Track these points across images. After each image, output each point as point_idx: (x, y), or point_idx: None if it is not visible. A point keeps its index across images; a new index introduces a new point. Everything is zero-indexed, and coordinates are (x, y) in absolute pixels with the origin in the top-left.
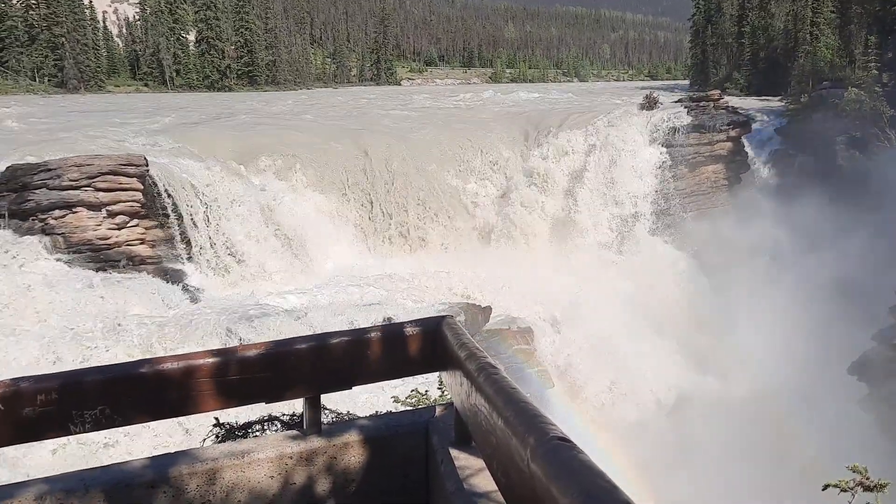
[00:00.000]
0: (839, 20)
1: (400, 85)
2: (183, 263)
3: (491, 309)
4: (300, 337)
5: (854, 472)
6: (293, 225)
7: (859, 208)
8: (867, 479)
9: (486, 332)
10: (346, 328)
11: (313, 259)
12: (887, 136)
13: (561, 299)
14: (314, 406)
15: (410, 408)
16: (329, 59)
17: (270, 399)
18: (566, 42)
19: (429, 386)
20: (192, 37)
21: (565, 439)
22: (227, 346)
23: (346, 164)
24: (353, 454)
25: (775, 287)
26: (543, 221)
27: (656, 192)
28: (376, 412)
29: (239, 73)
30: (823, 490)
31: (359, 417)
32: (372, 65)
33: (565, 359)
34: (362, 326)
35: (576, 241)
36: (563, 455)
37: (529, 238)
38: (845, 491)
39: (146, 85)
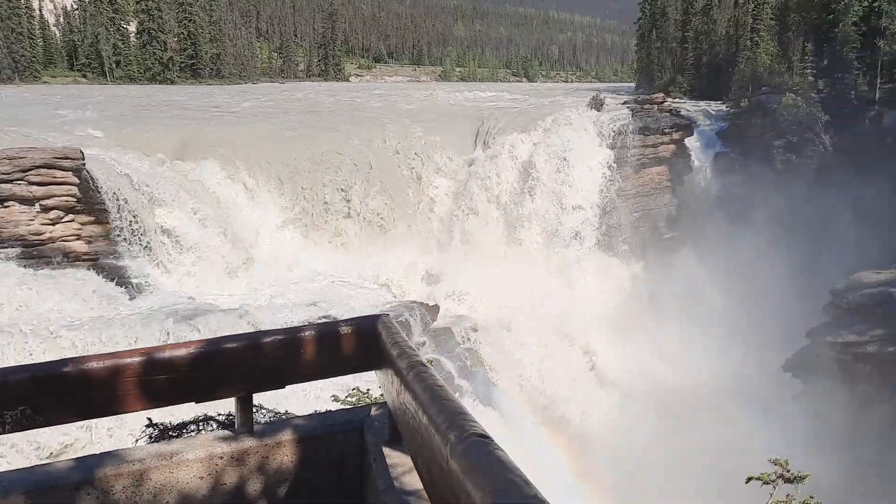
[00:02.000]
0: (778, 27)
1: (348, 81)
2: (121, 260)
3: (438, 307)
4: (232, 336)
5: (775, 465)
6: (236, 221)
7: (797, 211)
8: (787, 471)
9: (433, 330)
10: (286, 326)
11: (256, 256)
12: (822, 140)
13: (509, 299)
14: (246, 406)
15: (348, 406)
16: (275, 54)
17: (200, 399)
18: (515, 42)
19: (371, 384)
20: (132, 27)
21: (484, 436)
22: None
23: (295, 159)
24: (286, 453)
25: (715, 288)
26: (493, 221)
27: (603, 192)
28: (315, 411)
29: (182, 65)
30: (746, 483)
31: (293, 417)
32: (320, 60)
33: (511, 357)
34: (296, 325)
35: (524, 242)
36: (479, 451)
37: (479, 238)
38: (767, 483)
39: (84, 76)
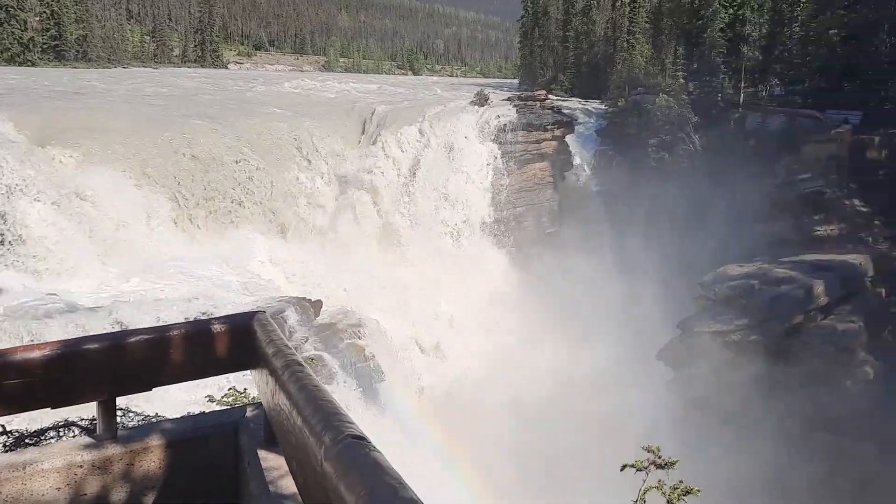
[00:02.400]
0: (652, 31)
1: (227, 68)
2: None
3: (321, 303)
4: (92, 336)
5: (648, 451)
6: (99, 213)
7: (671, 207)
8: (659, 457)
9: (317, 326)
10: (157, 325)
11: (125, 251)
12: (692, 140)
13: (394, 293)
14: (109, 410)
15: (224, 407)
16: (148, 38)
17: (56, 404)
18: (401, 35)
19: (250, 384)
20: None
21: (359, 437)
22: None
23: (166, 150)
24: (154, 459)
25: (596, 280)
26: (377, 216)
27: (487, 187)
28: (188, 413)
29: (44, 46)
30: (621, 470)
31: (162, 420)
32: (196, 45)
33: (397, 352)
34: (165, 324)
35: (409, 236)
36: (354, 454)
37: (363, 232)
38: (640, 470)
39: None
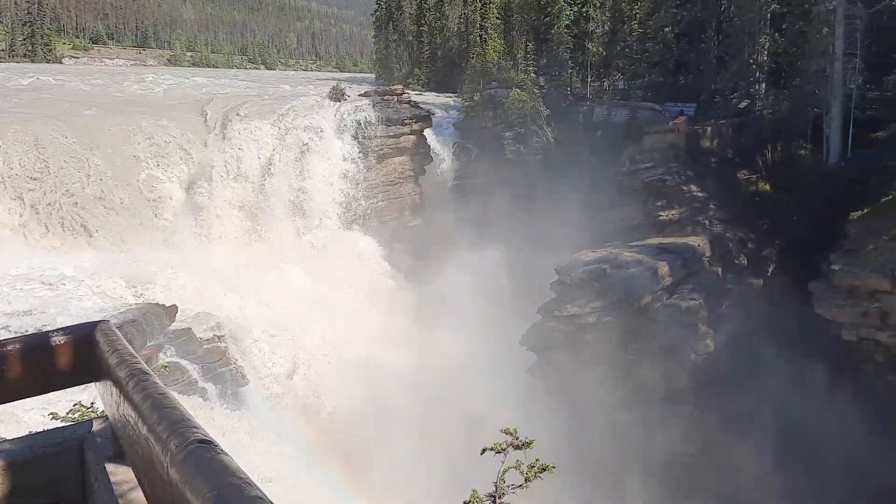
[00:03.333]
0: (504, 26)
1: (61, 63)
2: None
3: (176, 307)
4: None
5: (507, 434)
6: None
7: (529, 196)
8: (517, 439)
9: (172, 332)
10: None
11: None
12: (545, 132)
13: (254, 291)
14: None
15: (69, 423)
16: None
17: None
18: (251, 28)
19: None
20: None
21: (206, 441)
22: None
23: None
24: None
25: (460, 271)
26: (232, 213)
27: (347, 182)
28: (29, 432)
29: None
30: (482, 454)
31: None
32: (25, 39)
33: (259, 354)
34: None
35: (266, 233)
36: (200, 458)
37: (217, 231)
38: (499, 452)
39: None
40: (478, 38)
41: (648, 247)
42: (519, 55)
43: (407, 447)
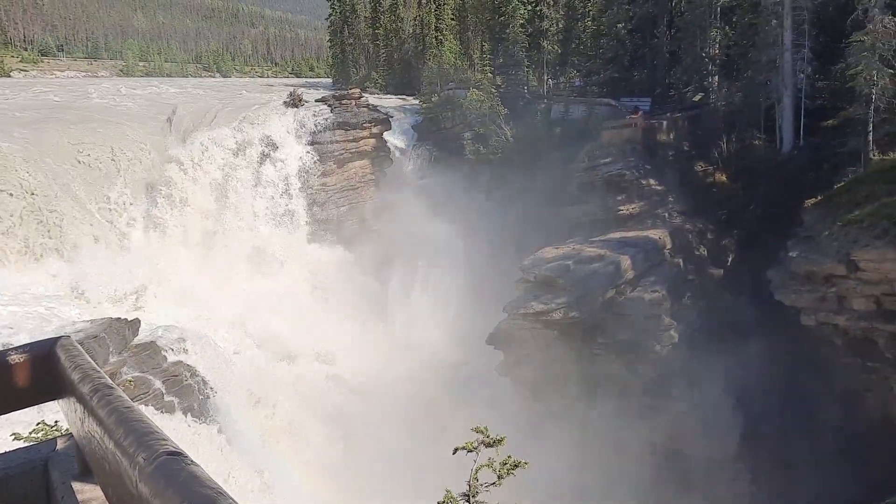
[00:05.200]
0: (459, 27)
1: (10, 77)
2: None
3: (139, 321)
4: None
5: (478, 432)
6: None
7: (491, 195)
8: (488, 437)
9: (136, 346)
10: None
11: None
12: (503, 131)
13: (215, 300)
14: None
15: (31, 444)
16: None
17: None
18: (205, 35)
19: (61, 415)
20: None
21: (176, 453)
22: None
23: None
24: None
25: (427, 272)
26: (192, 222)
27: (307, 188)
28: None
29: None
30: (454, 454)
31: None
32: None
33: (226, 363)
34: None
35: (228, 242)
36: (170, 469)
37: (176, 239)
38: (471, 451)
39: None
40: (433, 40)
41: (610, 241)
42: (475, 55)
43: (377, 448)
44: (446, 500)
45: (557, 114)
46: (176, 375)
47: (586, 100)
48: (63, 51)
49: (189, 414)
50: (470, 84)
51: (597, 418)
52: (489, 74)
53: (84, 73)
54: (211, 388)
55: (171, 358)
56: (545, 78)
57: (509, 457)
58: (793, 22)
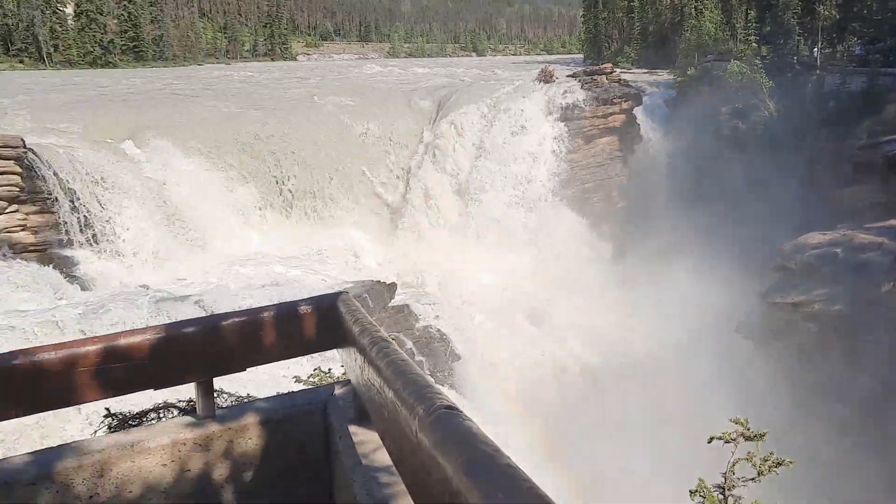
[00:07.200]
0: None
1: (296, 60)
2: (71, 250)
3: (396, 285)
4: (189, 320)
5: (736, 424)
6: (188, 206)
7: (746, 175)
8: (748, 430)
9: (392, 308)
10: (244, 308)
11: (210, 241)
12: (766, 106)
13: (467, 275)
14: (207, 391)
15: (311, 387)
16: (220, 34)
17: (158, 386)
18: (463, 16)
19: (332, 363)
20: (69, 10)
21: (452, 407)
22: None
23: (244, 142)
24: (250, 437)
25: (669, 253)
26: (447, 198)
27: (555, 164)
28: (278, 393)
29: (123, 48)
30: (709, 442)
31: (255, 400)
32: (266, 39)
33: (472, 332)
34: (254, 307)
35: (479, 217)
36: (448, 423)
37: (434, 215)
38: (729, 442)
39: (21, 62)
40: (692, 10)
41: (890, 229)
42: (738, 25)
43: (625, 439)
44: (700, 489)
45: (832, 86)
46: (426, 338)
47: (868, 70)
48: (339, 35)
49: (436, 377)
50: (731, 55)
51: (860, 423)
52: (753, 44)
53: (356, 56)
54: (456, 355)
55: (422, 322)
56: (818, 47)
57: (771, 453)
58: None
